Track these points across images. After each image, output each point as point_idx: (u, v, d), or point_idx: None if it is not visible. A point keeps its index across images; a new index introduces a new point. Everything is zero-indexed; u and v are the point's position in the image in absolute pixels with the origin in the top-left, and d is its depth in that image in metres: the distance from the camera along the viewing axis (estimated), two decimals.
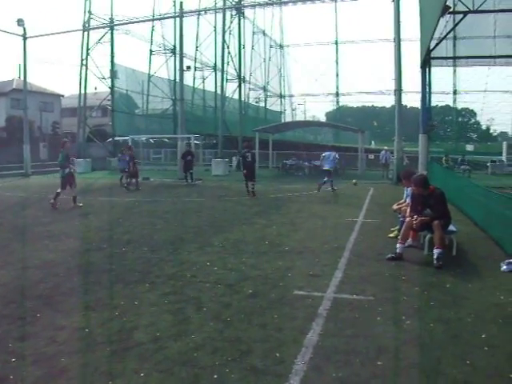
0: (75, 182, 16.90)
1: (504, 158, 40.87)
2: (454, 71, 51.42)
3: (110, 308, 6.16)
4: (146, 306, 6.21)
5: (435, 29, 19.78)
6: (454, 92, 53.62)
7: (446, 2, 16.92)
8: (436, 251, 8.27)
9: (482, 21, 31.47)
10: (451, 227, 9.18)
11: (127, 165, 23.60)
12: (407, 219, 8.88)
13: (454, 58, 35.12)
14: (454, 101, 55.30)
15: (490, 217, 11.24)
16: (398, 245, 8.75)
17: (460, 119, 77.82)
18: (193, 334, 5.30)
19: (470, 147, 60.64)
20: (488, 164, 40.09)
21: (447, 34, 21.95)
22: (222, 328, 5.47)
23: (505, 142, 43.88)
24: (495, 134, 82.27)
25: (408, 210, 9.72)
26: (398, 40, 27.56)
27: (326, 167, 22.52)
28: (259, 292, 6.74)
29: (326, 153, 23.29)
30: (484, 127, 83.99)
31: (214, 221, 13.44)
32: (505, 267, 8.04)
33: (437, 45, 22.61)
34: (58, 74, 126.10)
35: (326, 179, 21.95)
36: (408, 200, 10.57)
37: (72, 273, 7.90)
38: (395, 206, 11.03)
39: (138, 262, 8.63)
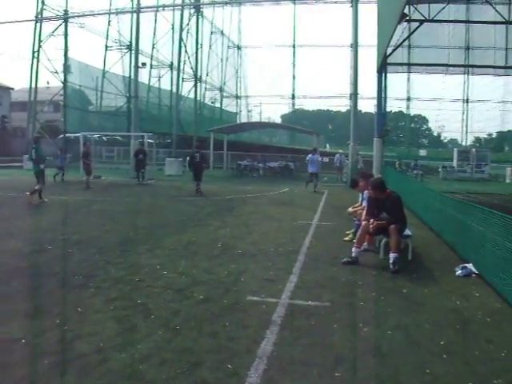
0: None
1: (455, 163, 41.57)
2: (408, 78, 52.26)
3: (50, 316, 5.69)
4: (89, 313, 5.79)
5: (392, 35, 19.96)
6: (408, 98, 54.46)
7: (403, 10, 17.06)
8: (392, 256, 8.14)
9: (438, 30, 32.08)
10: (407, 231, 9.10)
11: (64, 162, 22.97)
12: (363, 223, 8.73)
13: (409, 64, 35.65)
14: (408, 107, 56.20)
15: (445, 221, 11.25)
16: (353, 249, 8.58)
17: (412, 125, 79.29)
18: (139, 343, 4.93)
19: (423, 152, 61.70)
20: (439, 169, 40.76)
21: (404, 40, 22.21)
22: (171, 337, 5.12)
23: (455, 149, 44.68)
24: (445, 140, 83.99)
25: (364, 213, 9.60)
26: (355, 44, 27.72)
27: (312, 170, 22.94)
28: (211, 297, 6.43)
29: (310, 156, 23.71)
30: (435, 134, 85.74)
31: (165, 222, 13.06)
32: (459, 272, 7.98)
33: (393, 51, 22.83)
34: (9, 66, 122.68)
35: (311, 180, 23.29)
36: (364, 203, 10.46)
37: (11, 276, 7.34)
38: (351, 209, 10.94)
39: (83, 264, 8.16)
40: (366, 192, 10.43)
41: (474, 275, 7.87)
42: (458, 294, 6.85)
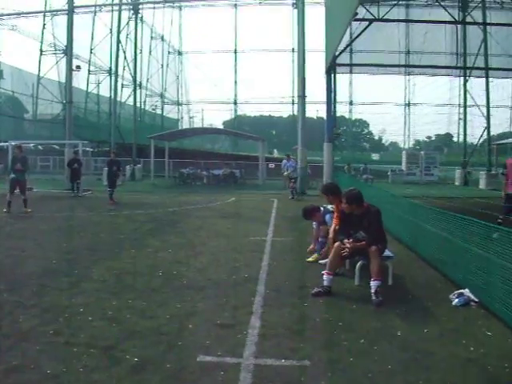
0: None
1: (403, 166, 40.91)
2: (350, 82, 51.62)
3: None
4: None
5: (344, 34, 18.94)
6: (350, 103, 53.81)
7: (356, 9, 16.09)
8: (374, 284, 6.64)
9: (380, 34, 31.43)
10: (387, 252, 7.60)
11: None
12: (335, 244, 7.17)
13: (358, 65, 34.74)
14: (350, 111, 55.56)
15: (419, 233, 9.89)
16: (324, 276, 6.98)
17: (354, 129, 79.12)
18: None
19: (375, 156, 61.32)
20: (388, 173, 39.99)
21: (354, 39, 21.17)
22: None
23: (404, 151, 44.06)
24: (387, 143, 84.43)
25: (331, 230, 8.12)
26: (302, 43, 26.25)
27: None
28: (149, 360, 4.72)
29: (284, 162, 23.13)
30: (376, 137, 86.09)
31: (97, 243, 11.23)
32: (456, 300, 6.54)
33: (344, 49, 21.70)
34: None
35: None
36: (327, 218, 8.99)
37: None
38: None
39: None
40: (330, 206, 9.01)
41: (473, 304, 6.45)
42: (467, 335, 5.40)
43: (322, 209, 9.35)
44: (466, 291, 6.67)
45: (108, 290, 7.21)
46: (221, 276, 8.03)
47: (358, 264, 7.33)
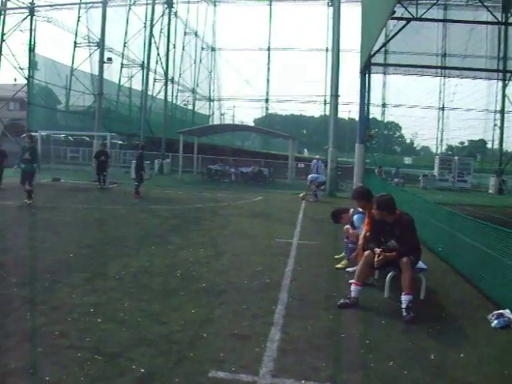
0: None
1: (436, 172, 39.87)
2: (384, 84, 50.57)
3: None
4: None
5: (380, 34, 18.36)
6: (383, 105, 52.78)
7: (394, 7, 15.55)
8: (405, 299, 6.15)
9: (416, 36, 30.69)
10: (420, 263, 7.07)
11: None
12: (365, 253, 6.68)
13: (396, 65, 33.90)
14: (383, 113, 54.50)
15: (456, 245, 9.26)
16: (352, 286, 6.52)
17: (385, 132, 77.91)
18: None
19: (408, 160, 60.18)
20: (420, 178, 39.02)
21: (390, 38, 20.56)
22: None
23: (437, 156, 42.94)
24: (418, 147, 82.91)
25: (360, 237, 7.63)
26: (336, 41, 25.61)
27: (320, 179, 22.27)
28: (156, 371, 4.32)
29: (314, 162, 22.45)
30: (408, 141, 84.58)
31: (117, 238, 10.88)
32: (495, 322, 5.99)
33: (380, 48, 21.05)
34: None
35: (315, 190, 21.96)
36: (356, 223, 8.51)
37: None
38: (348, 228, 8.82)
39: None
40: (356, 211, 8.54)
41: None
42: (509, 364, 4.87)
43: (351, 210, 8.87)
44: (507, 312, 6.11)
45: (122, 290, 6.84)
46: (242, 280, 7.59)
47: (389, 275, 6.81)
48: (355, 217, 8.57)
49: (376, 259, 6.38)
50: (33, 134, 23.90)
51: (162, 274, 7.81)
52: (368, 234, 7.25)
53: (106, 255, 9.05)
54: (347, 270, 8.25)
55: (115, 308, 6.04)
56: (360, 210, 8.52)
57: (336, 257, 9.19)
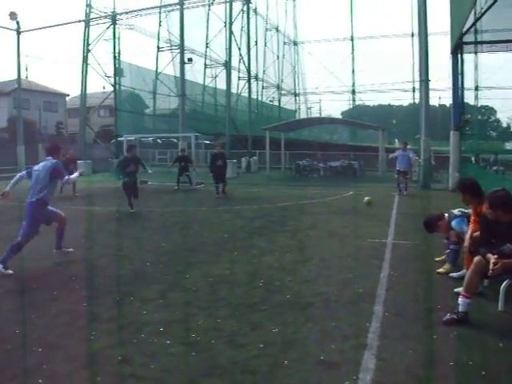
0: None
1: None
2: (476, 66, 47.79)
3: None
4: None
5: (473, 7, 16.81)
6: (476, 88, 49.94)
7: None
8: None
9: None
10: None
11: None
12: (475, 258, 5.64)
13: (492, 42, 31.51)
14: (476, 97, 51.60)
15: None
16: (460, 299, 5.50)
17: (479, 117, 74.22)
18: None
19: (509, 145, 56.60)
20: None
21: (486, 10, 18.86)
22: None
23: None
24: None
25: (467, 237, 6.60)
26: (424, 22, 23.94)
27: (401, 168, 20.47)
28: None
29: (400, 152, 20.93)
30: (504, 125, 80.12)
31: (198, 242, 10.33)
32: None
33: (472, 25, 19.39)
34: (64, 74, 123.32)
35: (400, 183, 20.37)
36: (454, 224, 7.44)
37: None
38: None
39: (58, 320, 5.57)
40: (457, 210, 7.52)
41: None
42: None
43: (446, 215, 7.78)
44: None
45: (197, 304, 6.20)
46: (331, 290, 6.74)
47: (504, 284, 5.74)
48: (454, 222, 7.49)
49: (491, 267, 5.33)
50: (131, 143, 24.10)
51: (242, 284, 7.12)
52: (476, 234, 6.22)
53: (184, 263, 8.49)
54: (451, 275, 7.21)
55: (188, 327, 5.41)
56: (456, 212, 7.48)
57: (437, 259, 8.18)
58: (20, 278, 7.51)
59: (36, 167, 8.45)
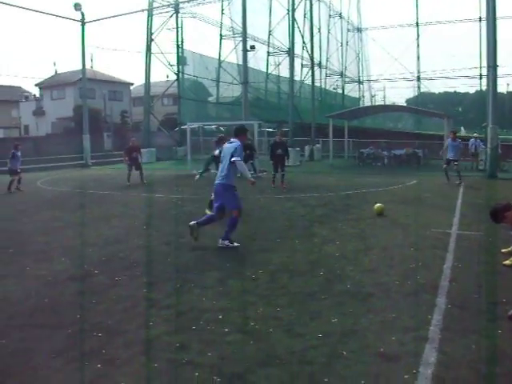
0: None
1: None
2: None
3: None
4: None
5: None
6: None
7: None
8: None
9: None
10: None
11: (18, 164, 20.13)
12: None
13: None
14: None
15: None
16: None
17: None
18: None
19: None
20: None
21: None
22: None
23: None
24: None
25: None
26: (492, 6, 22.93)
27: (450, 157, 19.84)
28: None
29: (472, 141, 20.48)
30: None
31: (260, 230, 10.37)
32: None
33: None
34: (128, 63, 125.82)
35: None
36: None
37: None
38: None
39: (118, 306, 5.67)
40: None
41: None
42: None
43: None
44: None
45: (257, 292, 6.20)
46: (392, 280, 6.62)
47: None
48: None
49: None
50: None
51: (303, 273, 7.06)
52: None
53: (246, 250, 8.53)
54: None
55: (246, 315, 5.41)
56: None
57: (503, 250, 7.87)
58: (82, 264, 7.69)
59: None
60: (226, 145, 9.00)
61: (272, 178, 19.45)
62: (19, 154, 19.30)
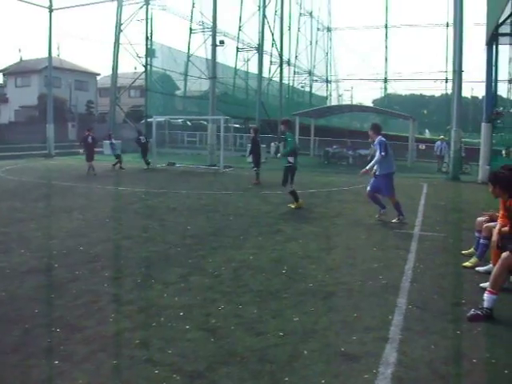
0: None
1: None
2: (510, 59, 46.54)
3: None
4: None
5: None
6: (510, 81, 48.68)
7: None
8: None
9: None
10: None
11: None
12: (504, 254, 5.49)
13: None
14: (509, 90, 50.37)
15: None
16: (485, 295, 5.35)
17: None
18: None
19: None
20: None
21: None
22: None
23: None
24: None
25: (495, 232, 6.40)
26: (459, 12, 23.27)
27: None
28: None
29: (438, 143, 21.01)
30: None
31: (224, 226, 10.30)
32: None
33: (509, 16, 18.88)
34: (96, 53, 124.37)
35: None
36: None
37: None
38: (482, 220, 7.49)
39: (78, 300, 5.58)
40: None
41: None
42: None
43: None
44: None
45: (219, 289, 6.16)
46: (354, 279, 6.64)
47: None
48: None
49: None
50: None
51: (265, 271, 7.04)
52: (505, 229, 6.05)
53: (208, 247, 8.45)
54: (477, 269, 7.04)
55: (208, 312, 5.36)
56: None
57: (463, 252, 7.99)
58: (42, 257, 7.56)
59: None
60: None
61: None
62: None
